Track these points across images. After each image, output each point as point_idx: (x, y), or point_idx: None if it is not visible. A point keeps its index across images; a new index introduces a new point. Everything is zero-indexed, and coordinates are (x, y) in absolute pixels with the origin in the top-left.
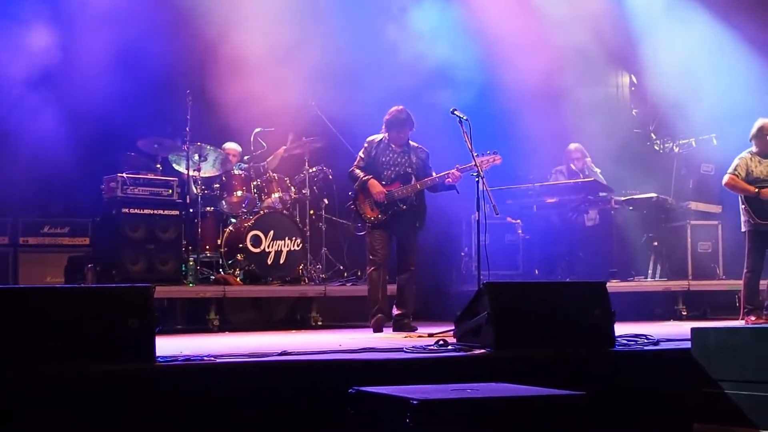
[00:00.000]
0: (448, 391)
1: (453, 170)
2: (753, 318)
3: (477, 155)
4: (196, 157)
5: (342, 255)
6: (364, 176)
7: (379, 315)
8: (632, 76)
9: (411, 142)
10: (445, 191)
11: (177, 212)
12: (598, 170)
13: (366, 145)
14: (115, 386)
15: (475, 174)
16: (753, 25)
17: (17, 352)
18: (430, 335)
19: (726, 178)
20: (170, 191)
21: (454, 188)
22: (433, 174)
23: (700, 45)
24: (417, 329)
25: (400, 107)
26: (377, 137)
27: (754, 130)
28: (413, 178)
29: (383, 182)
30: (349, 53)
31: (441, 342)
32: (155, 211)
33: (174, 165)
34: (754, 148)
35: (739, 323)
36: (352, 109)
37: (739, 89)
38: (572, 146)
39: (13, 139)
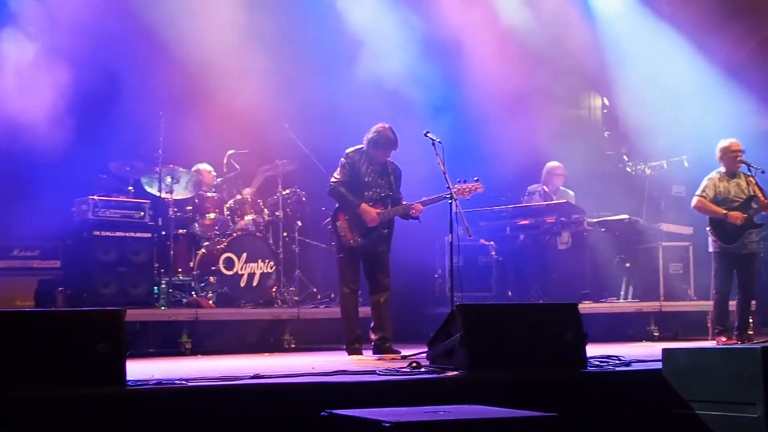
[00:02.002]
0: (420, 414)
1: (417, 203)
2: (723, 339)
3: (459, 181)
4: (169, 179)
5: (315, 277)
6: (354, 200)
7: (357, 344)
8: (604, 98)
9: (388, 161)
10: (406, 220)
11: (149, 235)
12: (571, 192)
13: (346, 159)
14: (86, 410)
15: (447, 196)
16: (724, 46)
17: None
18: (404, 357)
19: (694, 201)
20: (142, 213)
21: (417, 218)
22: (401, 196)
23: (672, 67)
24: (400, 352)
25: (387, 125)
26: (357, 150)
27: (718, 151)
28: (390, 203)
29: (369, 204)
30: (321, 76)
31: (414, 364)
32: (127, 234)
33: (146, 187)
34: (722, 169)
35: (709, 344)
36: (325, 132)
37: (711, 111)
38: (553, 164)
39: None
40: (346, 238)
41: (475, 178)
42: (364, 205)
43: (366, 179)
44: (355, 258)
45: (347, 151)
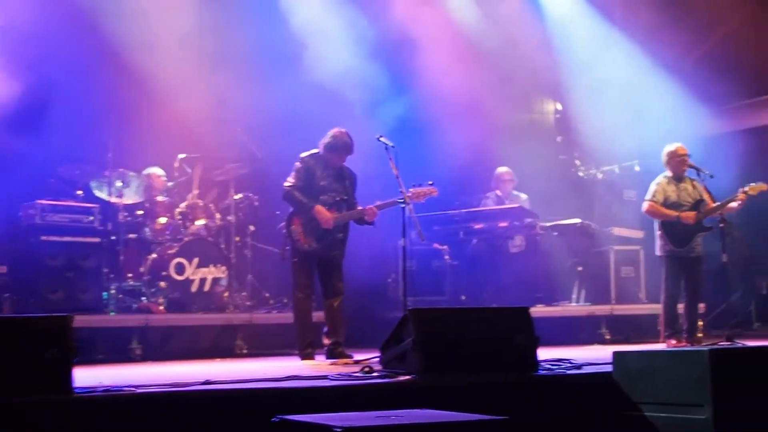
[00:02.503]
0: (372, 418)
1: (371, 206)
2: (674, 341)
3: (414, 185)
4: (119, 183)
5: (268, 282)
6: (308, 202)
7: (310, 349)
8: (557, 103)
9: (343, 165)
10: (361, 225)
11: (98, 239)
12: (524, 196)
13: (301, 164)
14: (32, 418)
15: (401, 200)
16: (673, 51)
17: None
18: (356, 362)
19: (645, 206)
20: (91, 218)
21: (371, 223)
22: (356, 201)
23: (623, 71)
24: (353, 357)
25: (343, 130)
26: (311, 154)
27: (664, 156)
28: (345, 207)
29: (325, 207)
30: (271, 78)
31: (366, 369)
32: (75, 239)
33: (95, 191)
34: (668, 173)
35: (660, 347)
36: (277, 136)
37: (661, 116)
38: (501, 170)
39: None
40: (300, 243)
41: (430, 182)
42: (318, 207)
43: (321, 183)
44: (310, 263)
45: (302, 155)
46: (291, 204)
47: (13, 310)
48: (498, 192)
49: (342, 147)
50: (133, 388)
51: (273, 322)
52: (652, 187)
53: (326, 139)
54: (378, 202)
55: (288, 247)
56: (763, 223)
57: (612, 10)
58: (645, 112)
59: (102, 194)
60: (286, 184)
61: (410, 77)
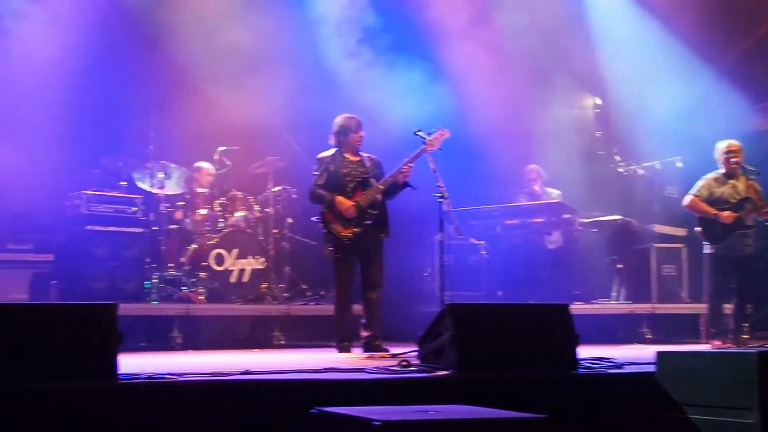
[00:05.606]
0: (410, 413)
1: (402, 166)
2: (718, 342)
3: (425, 134)
4: (161, 174)
5: (305, 274)
6: (328, 195)
7: (347, 341)
8: (596, 98)
9: (361, 153)
10: (400, 191)
11: (141, 230)
12: (556, 192)
13: (319, 164)
14: (77, 404)
15: (438, 195)
16: (717, 46)
17: None
18: (393, 356)
19: (687, 199)
20: (135, 209)
21: (408, 185)
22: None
23: (666, 68)
24: (389, 350)
25: (345, 114)
26: (329, 153)
27: (716, 152)
28: (372, 182)
29: (348, 196)
30: (316, 73)
31: (404, 363)
32: (119, 229)
33: (138, 183)
34: (720, 170)
35: (703, 347)
36: (316, 129)
37: (704, 113)
38: (528, 167)
39: None
40: (340, 234)
41: (438, 126)
42: (338, 198)
43: (343, 171)
44: (349, 255)
45: (318, 156)
46: (315, 202)
47: (59, 297)
48: (535, 187)
49: (352, 125)
50: (176, 376)
51: (310, 313)
52: (700, 182)
53: (334, 128)
54: (405, 159)
55: (331, 248)
56: None
57: (655, 5)
58: (688, 108)
59: (144, 185)
60: (310, 187)
61: (448, 72)
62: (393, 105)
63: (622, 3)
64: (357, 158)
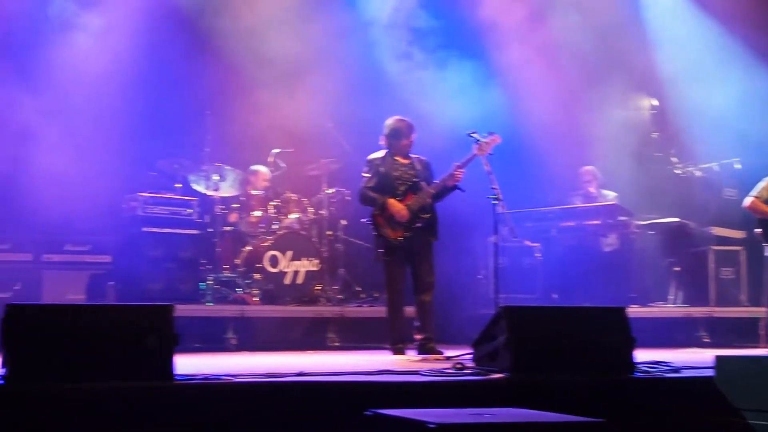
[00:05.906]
0: (465, 416)
1: (454, 171)
2: None
3: (480, 136)
4: (216, 177)
5: (359, 276)
6: (380, 197)
7: (401, 344)
8: (652, 99)
9: (411, 155)
10: (450, 193)
11: (196, 231)
12: (612, 194)
13: (369, 166)
14: (134, 404)
15: (493, 197)
16: None
17: (38, 368)
18: (448, 358)
19: (747, 201)
20: (190, 211)
21: (457, 188)
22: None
23: (725, 69)
24: (443, 353)
25: (395, 117)
26: (379, 154)
27: None
28: (423, 186)
29: (398, 199)
30: (367, 75)
31: (458, 365)
32: (175, 231)
33: (193, 185)
34: None
35: (763, 351)
36: (368, 131)
37: (763, 113)
38: (583, 169)
39: (37, 156)
40: (390, 238)
41: (489, 131)
42: (390, 200)
43: (394, 173)
44: (400, 257)
45: (368, 158)
46: (366, 204)
47: (116, 298)
48: (591, 189)
49: (405, 129)
50: (231, 377)
51: (364, 315)
52: (761, 183)
53: (385, 131)
54: (456, 164)
55: (382, 251)
56: None
57: (712, 4)
58: (746, 108)
59: (199, 187)
60: (360, 189)
61: (501, 73)
62: (444, 106)
63: (679, 2)
64: (407, 161)
